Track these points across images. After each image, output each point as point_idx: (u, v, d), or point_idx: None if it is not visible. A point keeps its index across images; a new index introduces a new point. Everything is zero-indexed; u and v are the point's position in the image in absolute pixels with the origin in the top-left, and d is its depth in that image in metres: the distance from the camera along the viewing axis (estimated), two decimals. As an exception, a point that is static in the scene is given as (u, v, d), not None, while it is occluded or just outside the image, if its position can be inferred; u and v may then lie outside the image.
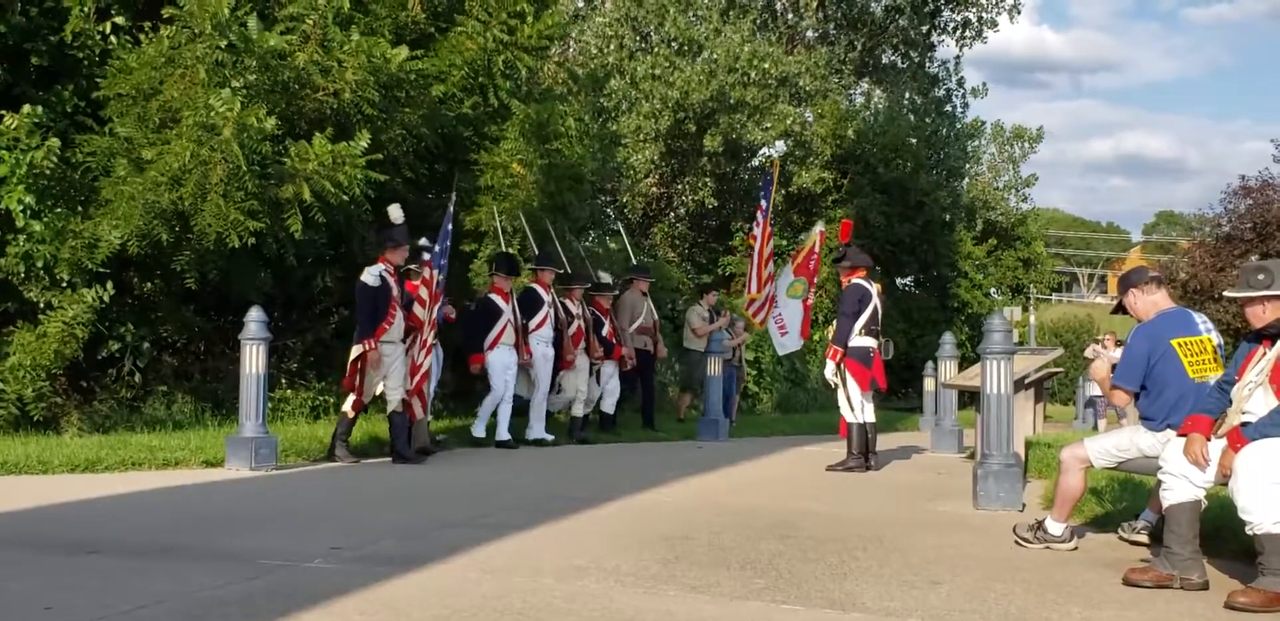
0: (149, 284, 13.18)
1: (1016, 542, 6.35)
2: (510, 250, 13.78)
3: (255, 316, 9.70)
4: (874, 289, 11.03)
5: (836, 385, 10.97)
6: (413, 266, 11.09)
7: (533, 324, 12.74)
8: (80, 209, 12.10)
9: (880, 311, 11.07)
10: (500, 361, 12.32)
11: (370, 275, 10.43)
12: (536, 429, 13.00)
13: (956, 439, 13.59)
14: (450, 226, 11.47)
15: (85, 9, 12.12)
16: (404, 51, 13.01)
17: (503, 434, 12.45)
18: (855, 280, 10.94)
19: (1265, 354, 5.33)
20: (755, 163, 31.84)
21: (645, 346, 15.09)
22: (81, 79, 12.55)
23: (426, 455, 11.05)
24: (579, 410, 13.67)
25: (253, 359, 9.61)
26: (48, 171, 11.59)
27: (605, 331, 14.10)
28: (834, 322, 11.16)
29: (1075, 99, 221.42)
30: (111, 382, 12.71)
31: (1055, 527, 6.30)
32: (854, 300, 10.82)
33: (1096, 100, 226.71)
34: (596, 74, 21.34)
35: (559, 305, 13.19)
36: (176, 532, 6.30)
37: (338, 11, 12.49)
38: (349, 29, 12.84)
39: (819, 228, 14.00)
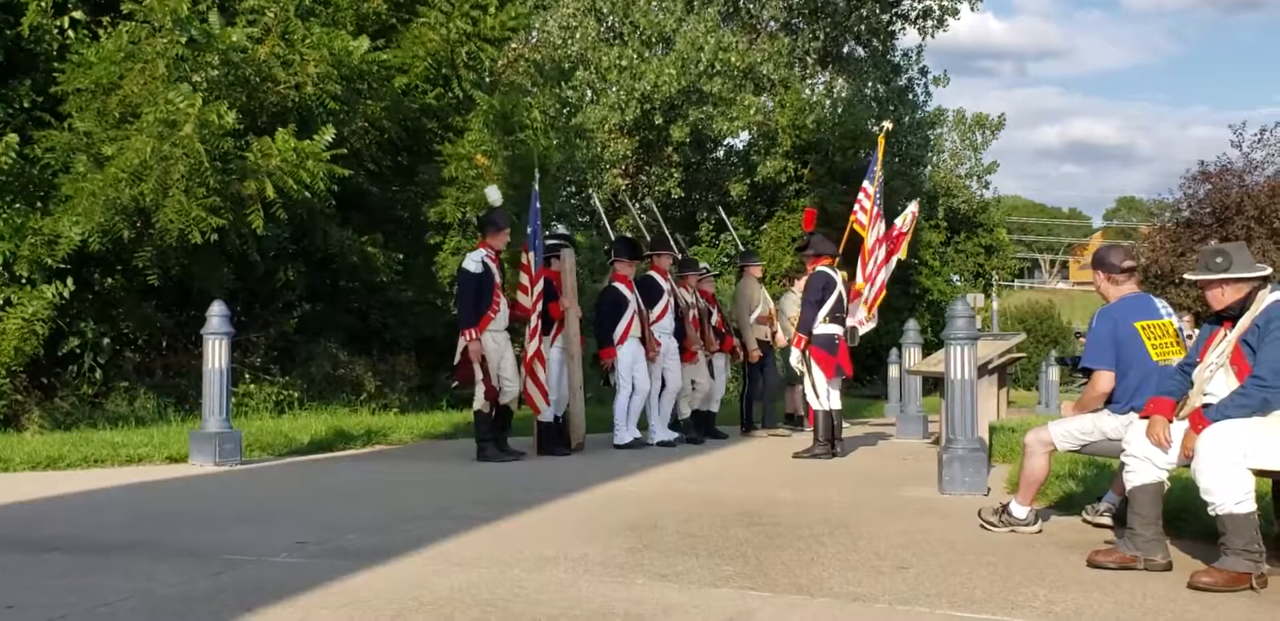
0: (110, 280, 13.08)
1: (982, 526, 6.38)
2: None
3: (217, 311, 9.59)
4: (839, 277, 11.05)
5: (802, 373, 10.97)
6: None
7: (653, 314, 11.82)
8: (40, 205, 12.01)
9: (845, 299, 11.09)
10: (630, 355, 11.48)
11: (471, 261, 9.97)
12: (660, 430, 12.01)
13: (921, 425, 13.64)
14: (538, 205, 10.99)
15: (42, 3, 12.00)
16: (365, 43, 12.96)
17: (663, 433, 11.81)
18: (820, 268, 10.96)
19: (1226, 336, 5.37)
20: (718, 154, 31.88)
21: (765, 337, 13.79)
22: (39, 74, 12.44)
23: (578, 451, 10.69)
24: (686, 408, 12.60)
25: (215, 354, 9.52)
26: (6, 167, 11.49)
27: (714, 321, 13.04)
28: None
29: (1020, 87, 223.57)
30: (73, 379, 12.62)
31: (1020, 511, 6.34)
32: (818, 288, 10.83)
33: (1042, 88, 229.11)
34: (562, 66, 21.28)
35: (676, 293, 12.23)
36: (140, 529, 6.25)
37: (298, 4, 12.42)
38: (310, 21, 12.78)
39: (913, 208, 13.28)
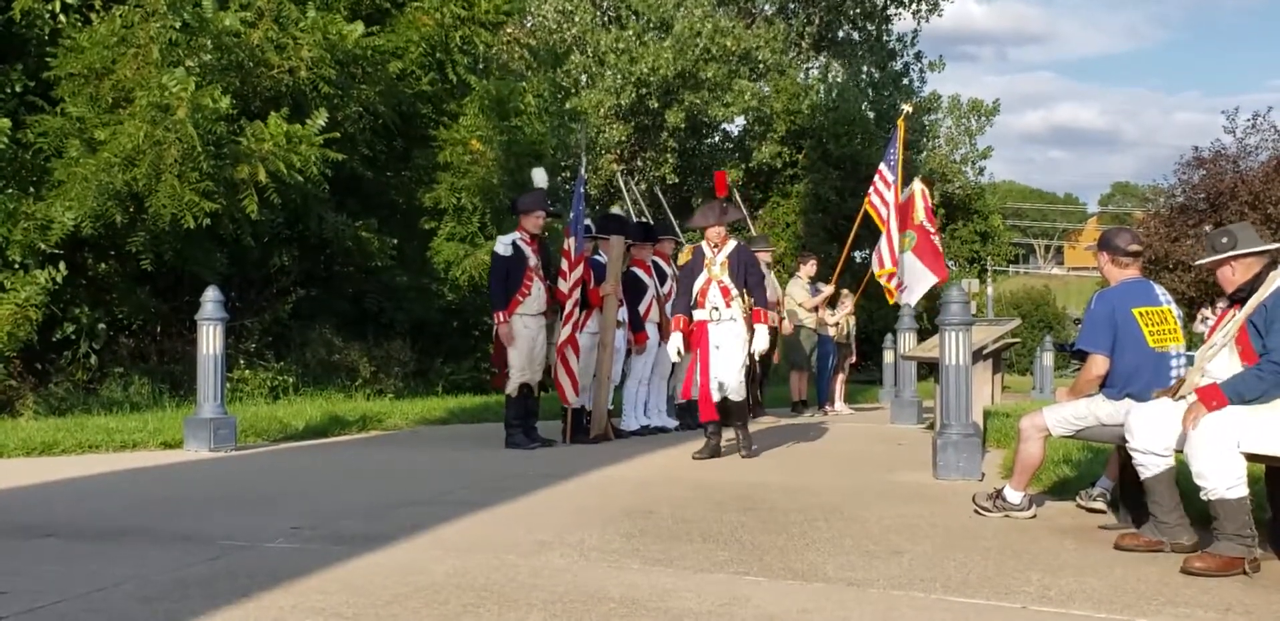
0: (103, 265, 13.07)
1: (976, 511, 6.40)
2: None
3: (211, 296, 9.55)
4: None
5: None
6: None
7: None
8: (32, 190, 11.98)
9: None
10: (652, 341, 11.39)
11: (501, 244, 9.83)
12: (662, 415, 11.97)
13: (916, 410, 13.64)
14: (583, 190, 10.81)
15: (34, -13, 11.95)
16: (360, 27, 12.93)
17: (661, 419, 11.76)
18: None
19: (1234, 316, 5.35)
20: (714, 139, 31.79)
21: (773, 323, 13.15)
22: (31, 59, 12.40)
23: (598, 442, 10.41)
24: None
25: (209, 339, 9.50)
26: (-2, 152, 11.45)
27: None
28: (751, 287, 9.69)
29: (1004, 73, 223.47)
30: (67, 365, 12.62)
31: (1014, 496, 6.34)
32: (758, 261, 10.36)
33: (1026, 73, 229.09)
34: (556, 50, 21.23)
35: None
36: (135, 515, 6.25)
37: (292, -13, 12.40)
38: (304, 5, 12.74)
39: (917, 185, 12.96)
